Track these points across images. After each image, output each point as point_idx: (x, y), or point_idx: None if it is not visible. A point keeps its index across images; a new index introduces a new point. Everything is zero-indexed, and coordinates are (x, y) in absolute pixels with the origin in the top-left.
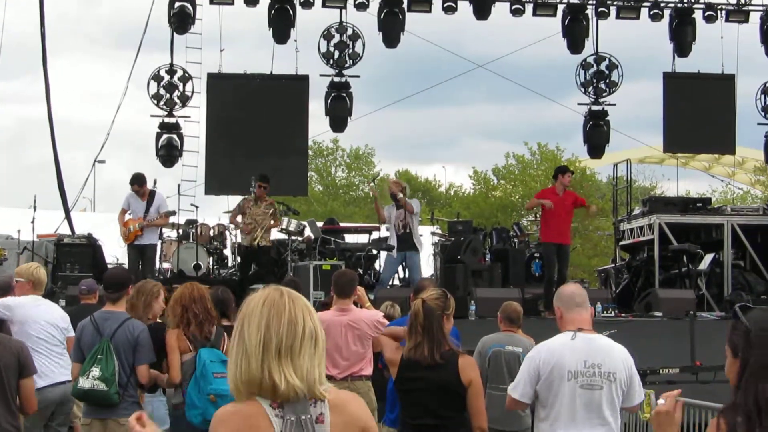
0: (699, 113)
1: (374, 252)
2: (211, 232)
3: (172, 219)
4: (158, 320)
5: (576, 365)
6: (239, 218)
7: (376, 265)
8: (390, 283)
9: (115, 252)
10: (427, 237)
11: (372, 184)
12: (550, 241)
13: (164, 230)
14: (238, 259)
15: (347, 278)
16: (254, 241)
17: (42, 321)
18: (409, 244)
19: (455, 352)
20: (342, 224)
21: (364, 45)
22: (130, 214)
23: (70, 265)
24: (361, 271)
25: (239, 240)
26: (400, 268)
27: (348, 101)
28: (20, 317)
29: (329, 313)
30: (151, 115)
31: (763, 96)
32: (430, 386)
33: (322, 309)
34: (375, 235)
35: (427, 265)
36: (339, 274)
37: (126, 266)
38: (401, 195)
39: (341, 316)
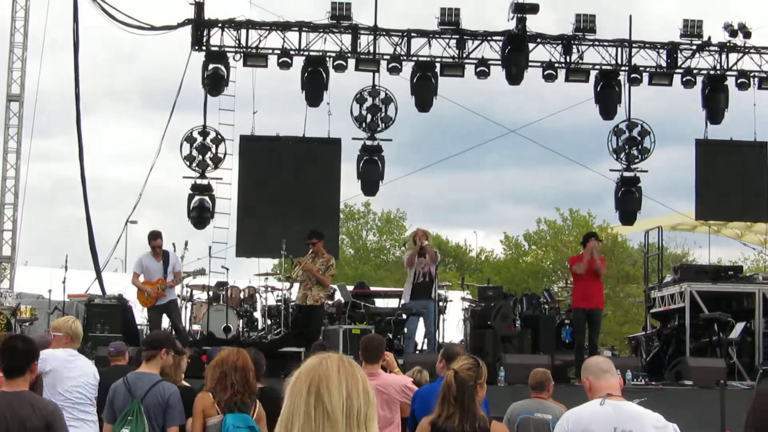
0: (731, 181)
1: (404, 317)
2: (242, 295)
3: (201, 279)
4: (185, 384)
5: (605, 430)
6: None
7: (406, 330)
8: (416, 344)
9: (146, 314)
10: (457, 302)
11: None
12: (579, 307)
13: (195, 292)
14: (270, 320)
15: (375, 343)
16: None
17: (76, 375)
18: (428, 292)
19: (487, 420)
20: (372, 288)
21: (396, 109)
22: (142, 278)
23: (101, 325)
24: (390, 335)
25: (269, 302)
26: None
27: (380, 165)
28: (54, 368)
29: None
30: (184, 177)
31: None
32: None
33: None
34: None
35: (457, 331)
36: (367, 339)
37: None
38: (426, 242)
39: (369, 380)
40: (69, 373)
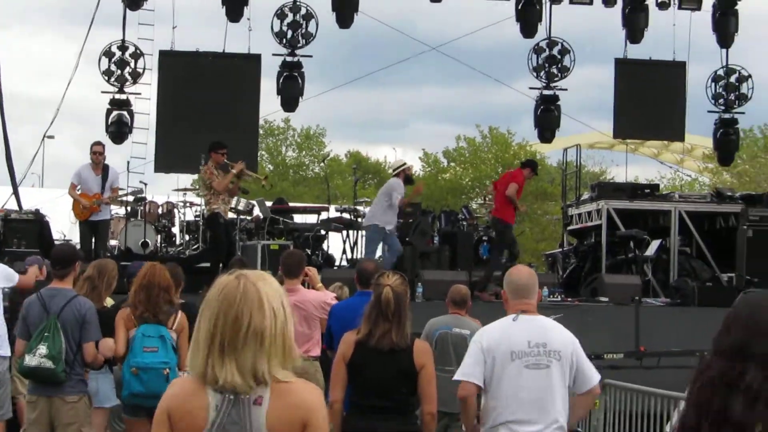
0: (649, 100)
1: (323, 232)
2: (160, 210)
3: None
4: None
5: (520, 345)
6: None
7: (325, 246)
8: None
9: (63, 228)
10: None
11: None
12: (510, 223)
13: (112, 207)
14: (187, 235)
15: (295, 259)
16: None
17: None
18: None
19: (412, 337)
20: (291, 204)
21: (317, 25)
22: (79, 189)
23: (17, 240)
24: (309, 251)
25: (188, 217)
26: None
27: (300, 81)
28: None
29: None
30: (102, 92)
31: (713, 84)
32: (387, 370)
33: None
34: (324, 215)
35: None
36: (287, 254)
37: (73, 242)
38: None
39: (288, 296)
40: None
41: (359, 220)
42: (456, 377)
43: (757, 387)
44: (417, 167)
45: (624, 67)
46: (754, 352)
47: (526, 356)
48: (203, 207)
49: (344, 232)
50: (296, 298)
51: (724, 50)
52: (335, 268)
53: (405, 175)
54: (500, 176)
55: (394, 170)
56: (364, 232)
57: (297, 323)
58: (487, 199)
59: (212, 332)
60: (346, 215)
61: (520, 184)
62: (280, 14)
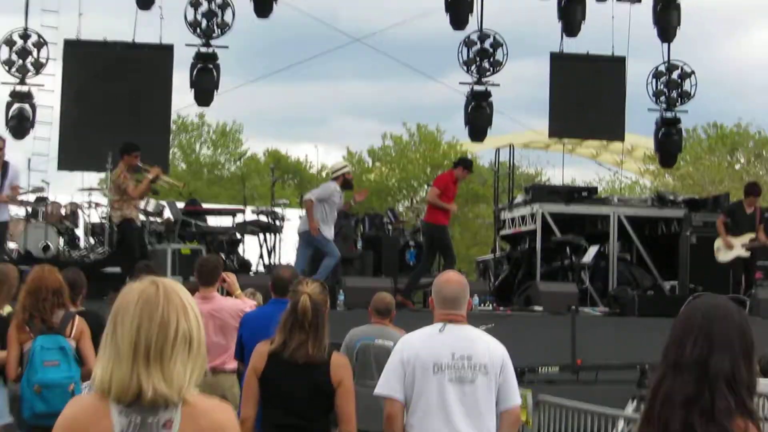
0: (587, 97)
1: (238, 236)
2: (63, 211)
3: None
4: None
5: (443, 357)
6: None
7: (240, 250)
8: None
9: None
10: (295, 222)
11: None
12: (444, 224)
13: (11, 207)
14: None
15: (211, 265)
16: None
17: None
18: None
19: (330, 350)
20: (205, 205)
21: (233, 14)
22: None
23: None
24: (223, 256)
25: (93, 219)
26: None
27: (215, 73)
28: None
29: None
30: (2, 83)
31: (654, 80)
32: (302, 385)
33: None
34: (240, 217)
35: (294, 251)
36: (202, 260)
37: None
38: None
39: (203, 304)
40: None
41: (277, 222)
42: (376, 392)
43: (724, 406)
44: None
45: (560, 62)
46: (718, 368)
47: (449, 369)
48: (111, 211)
49: (261, 236)
50: (211, 306)
51: (665, 45)
52: (251, 274)
53: (344, 179)
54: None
55: (332, 173)
56: (280, 236)
57: (213, 333)
58: (413, 202)
59: (136, 339)
60: (263, 218)
61: (446, 186)
62: (194, 2)
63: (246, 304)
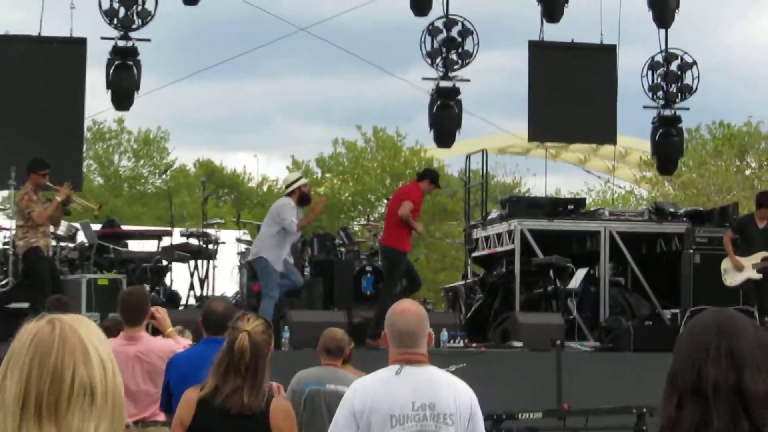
0: (573, 93)
1: (165, 263)
2: None
3: None
4: None
5: (401, 407)
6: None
7: (167, 280)
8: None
9: None
10: (231, 244)
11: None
12: (404, 249)
13: None
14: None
15: (136, 299)
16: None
17: None
18: None
19: (269, 396)
20: (125, 227)
21: (156, 1)
22: None
23: None
24: (148, 286)
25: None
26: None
27: (135, 71)
28: None
29: (114, 343)
30: None
31: (650, 72)
32: None
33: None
34: (166, 241)
35: (231, 281)
36: (126, 294)
37: None
38: None
39: (128, 346)
40: None
41: (210, 247)
42: None
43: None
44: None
45: (540, 52)
46: (754, 391)
47: (408, 421)
48: (15, 239)
49: (192, 263)
50: (138, 348)
51: (662, 30)
52: (181, 308)
53: (300, 193)
54: (393, 193)
55: (286, 187)
56: (214, 262)
57: (140, 380)
58: (371, 219)
59: (25, 390)
60: (194, 241)
61: (416, 202)
62: None
63: (179, 344)
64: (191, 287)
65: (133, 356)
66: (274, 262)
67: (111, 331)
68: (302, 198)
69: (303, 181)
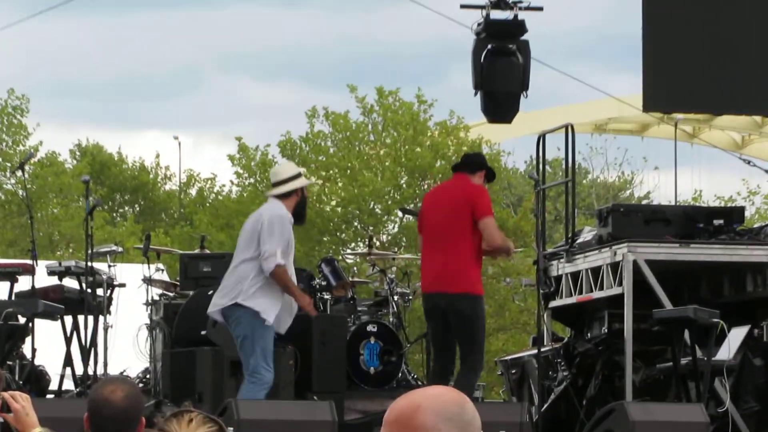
0: (716, 37)
1: (21, 320)
2: None
3: None
4: None
5: None
6: None
7: (27, 347)
8: None
9: None
10: (135, 288)
11: None
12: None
13: None
14: None
15: None
16: None
17: None
18: None
19: None
20: None
21: None
22: None
23: None
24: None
25: None
26: None
27: None
28: None
29: None
30: None
31: None
32: None
33: None
34: (24, 283)
35: (136, 349)
36: None
37: None
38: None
39: None
40: None
41: (99, 291)
42: None
43: None
44: (229, 170)
45: None
46: None
47: None
48: None
49: (69, 320)
50: None
51: None
52: (50, 396)
53: (300, 199)
54: (433, 190)
55: (276, 184)
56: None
57: None
58: (374, 243)
59: None
60: (72, 283)
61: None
62: None
63: None
64: (68, 361)
65: None
66: (266, 311)
67: None
68: (300, 208)
69: (304, 180)
